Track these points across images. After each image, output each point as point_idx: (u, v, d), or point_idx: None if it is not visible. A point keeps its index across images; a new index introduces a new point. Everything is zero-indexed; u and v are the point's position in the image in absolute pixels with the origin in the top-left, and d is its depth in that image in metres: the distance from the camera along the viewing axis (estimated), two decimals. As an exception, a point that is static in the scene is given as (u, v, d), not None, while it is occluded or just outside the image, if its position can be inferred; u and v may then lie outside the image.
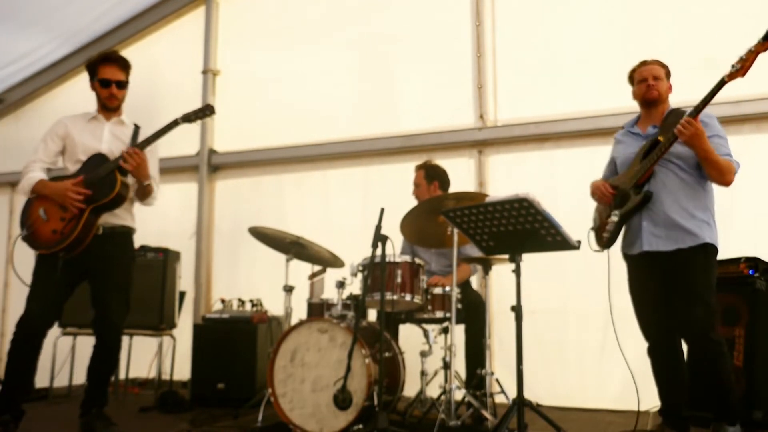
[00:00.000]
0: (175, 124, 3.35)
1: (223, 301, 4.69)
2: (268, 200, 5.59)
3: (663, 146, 2.95)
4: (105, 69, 3.36)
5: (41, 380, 4.75)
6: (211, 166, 5.86)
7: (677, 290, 2.99)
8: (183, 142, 5.84)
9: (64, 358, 4.68)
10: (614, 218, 3.15)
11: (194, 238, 5.75)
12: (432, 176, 4.19)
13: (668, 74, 3.20)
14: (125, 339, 4.79)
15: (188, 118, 3.40)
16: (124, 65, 3.43)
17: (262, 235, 4.03)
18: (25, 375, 3.21)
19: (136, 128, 3.46)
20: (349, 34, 5.50)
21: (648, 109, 3.20)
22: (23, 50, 6.00)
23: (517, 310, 2.84)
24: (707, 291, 2.93)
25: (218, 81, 5.98)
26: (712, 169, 2.92)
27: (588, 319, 4.42)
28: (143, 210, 5.86)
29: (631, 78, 3.27)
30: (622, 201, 3.11)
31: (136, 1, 6.00)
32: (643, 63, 3.22)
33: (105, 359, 3.34)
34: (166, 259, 4.76)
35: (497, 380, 3.72)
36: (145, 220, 5.76)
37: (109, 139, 3.38)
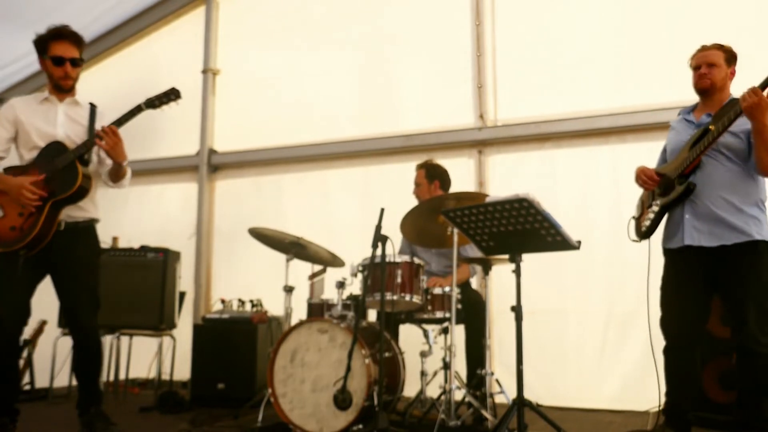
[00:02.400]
0: (138, 110, 3.12)
1: (223, 301, 4.68)
2: (267, 200, 5.59)
3: (712, 135, 2.79)
4: (57, 46, 3.11)
5: (41, 380, 4.79)
6: (211, 166, 5.86)
7: (726, 290, 2.89)
8: (183, 142, 5.87)
9: (64, 358, 4.66)
10: (655, 208, 3.03)
11: (194, 238, 5.75)
12: (433, 175, 4.19)
13: (730, 58, 3.00)
14: (125, 339, 4.83)
15: (152, 103, 3.17)
16: (77, 41, 3.17)
17: (261, 235, 4.02)
18: (11, 377, 3.16)
19: (93, 107, 3.25)
20: (349, 34, 5.49)
21: (703, 97, 3.05)
22: (23, 50, 5.99)
23: (517, 310, 2.83)
24: (759, 290, 2.80)
25: (218, 80, 5.99)
26: (763, 150, 2.75)
27: (588, 319, 4.42)
28: (143, 210, 5.93)
29: (691, 65, 3.10)
30: (666, 190, 2.99)
31: (136, 1, 6.00)
32: (701, 48, 3.05)
33: (86, 359, 3.23)
34: (166, 259, 4.76)
35: (497, 380, 3.72)
36: (145, 220, 5.84)
37: (65, 123, 3.17)
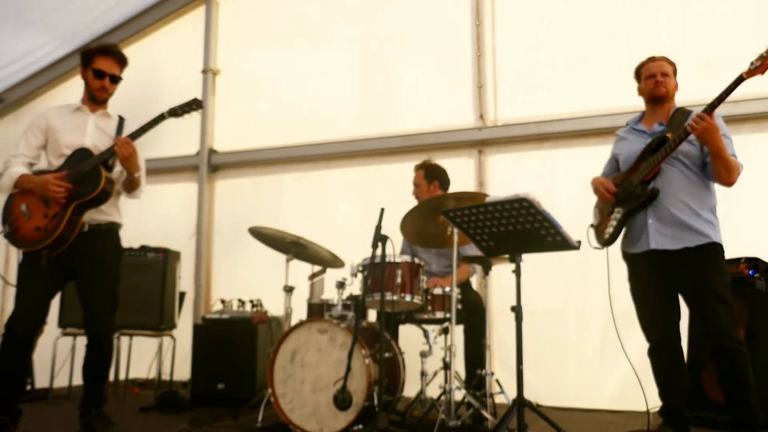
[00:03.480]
0: (161, 118, 3.27)
1: (223, 301, 4.69)
2: (267, 200, 5.59)
3: (672, 143, 2.89)
4: (102, 60, 3.28)
5: (41, 380, 4.80)
6: (211, 165, 5.87)
7: (692, 292, 2.96)
8: (183, 142, 5.86)
9: (64, 358, 4.67)
10: (617, 215, 3.10)
11: (194, 238, 5.75)
12: (432, 176, 4.18)
13: (675, 71, 3.16)
14: (125, 339, 4.83)
15: (175, 112, 3.32)
16: (122, 60, 3.36)
17: (262, 235, 4.03)
18: (19, 376, 3.19)
19: (121, 120, 3.38)
20: (349, 34, 5.50)
21: (654, 106, 3.16)
22: (23, 50, 6.00)
23: (517, 310, 2.83)
24: (724, 289, 2.89)
25: (218, 80, 5.99)
26: (721, 167, 2.87)
27: (588, 319, 4.42)
28: (143, 210, 5.90)
29: (638, 74, 3.21)
30: (626, 198, 3.08)
31: (136, 1, 6.00)
32: (651, 59, 3.17)
33: (97, 359, 3.28)
34: (166, 259, 4.76)
35: (497, 380, 3.72)
36: (145, 220, 5.83)
37: (94, 133, 3.29)
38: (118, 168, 3.28)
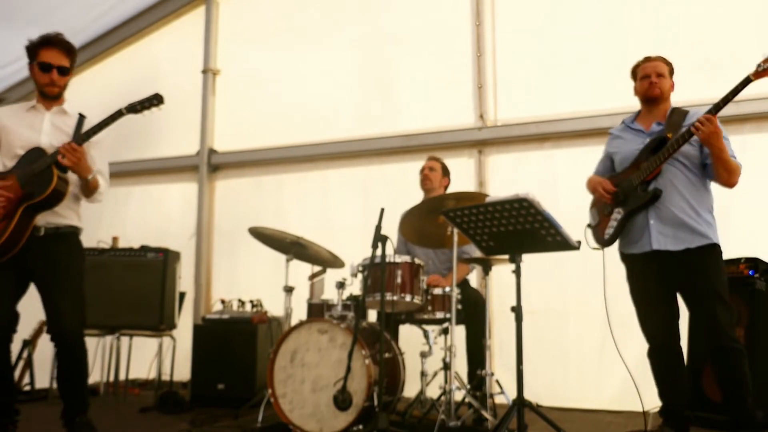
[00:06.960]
0: (119, 114, 3.03)
1: (223, 301, 4.69)
2: (268, 200, 5.60)
3: (675, 143, 2.89)
4: (46, 52, 3.05)
5: (41, 380, 4.79)
6: (211, 165, 5.87)
7: (692, 291, 2.97)
8: (183, 142, 5.87)
9: (64, 358, 4.67)
10: (617, 215, 3.09)
11: (194, 238, 5.75)
12: (446, 171, 4.23)
13: (671, 71, 3.16)
14: (125, 339, 4.83)
15: (134, 108, 3.07)
16: (68, 50, 3.11)
17: (262, 235, 4.02)
18: (5, 379, 3.10)
19: (81, 117, 3.15)
20: (350, 34, 5.50)
21: (649, 106, 3.16)
22: (23, 50, 5.99)
23: (517, 310, 2.83)
24: (723, 289, 2.90)
25: (218, 80, 6.00)
26: (723, 170, 2.88)
27: (588, 320, 4.42)
28: (143, 210, 5.93)
29: (634, 73, 3.22)
30: (627, 199, 3.07)
31: (136, 1, 6.00)
32: (647, 59, 3.17)
33: (68, 369, 3.11)
34: (166, 259, 4.76)
35: (497, 381, 3.72)
36: (145, 220, 5.84)
37: (50, 131, 3.08)
38: None
